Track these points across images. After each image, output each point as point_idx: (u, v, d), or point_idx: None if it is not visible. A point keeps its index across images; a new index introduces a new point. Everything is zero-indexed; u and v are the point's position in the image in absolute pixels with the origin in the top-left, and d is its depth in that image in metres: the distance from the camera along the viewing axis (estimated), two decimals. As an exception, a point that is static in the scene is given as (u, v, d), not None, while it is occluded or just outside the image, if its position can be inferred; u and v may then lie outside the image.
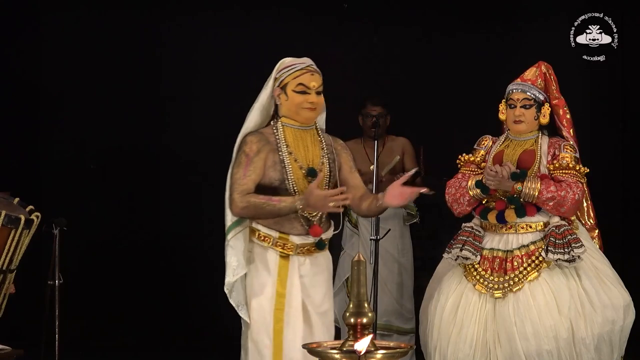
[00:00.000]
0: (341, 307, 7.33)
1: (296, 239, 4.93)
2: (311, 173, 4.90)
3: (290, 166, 4.90)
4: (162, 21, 8.05)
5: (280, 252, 4.93)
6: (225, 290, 4.94)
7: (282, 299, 4.91)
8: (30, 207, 4.86)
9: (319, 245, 4.98)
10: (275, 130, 4.95)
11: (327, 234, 5.04)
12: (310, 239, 4.96)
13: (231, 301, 4.96)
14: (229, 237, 4.96)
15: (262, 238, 4.94)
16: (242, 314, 4.96)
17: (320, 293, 5.00)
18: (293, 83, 4.92)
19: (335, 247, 7.49)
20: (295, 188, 4.89)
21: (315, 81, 4.94)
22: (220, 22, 8.06)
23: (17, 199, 4.90)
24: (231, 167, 4.95)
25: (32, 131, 7.99)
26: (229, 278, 4.94)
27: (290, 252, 4.93)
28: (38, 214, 4.81)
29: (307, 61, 5.02)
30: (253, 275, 4.97)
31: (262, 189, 4.90)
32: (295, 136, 4.97)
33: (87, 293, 7.61)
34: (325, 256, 5.08)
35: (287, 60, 5.02)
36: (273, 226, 4.91)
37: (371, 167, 6.98)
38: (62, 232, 6.26)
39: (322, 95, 5.00)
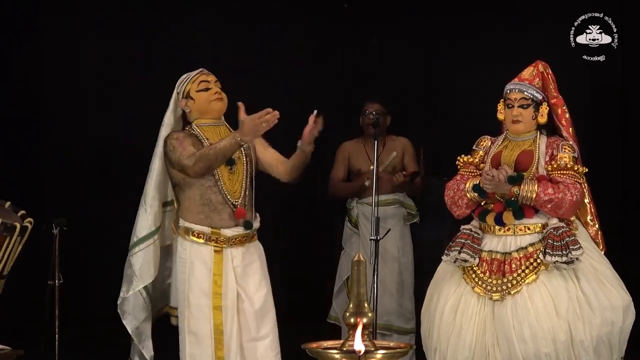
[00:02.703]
0: (342, 306, 7.34)
1: (227, 232, 5.29)
2: (230, 162, 5.29)
3: None
4: (161, 23, 8.05)
5: (214, 246, 5.28)
6: (118, 302, 5.52)
7: (218, 292, 5.25)
8: (22, 212, 4.87)
9: (247, 226, 5.31)
10: (193, 131, 5.36)
11: (256, 224, 5.40)
12: (240, 230, 5.31)
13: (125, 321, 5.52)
14: (133, 251, 5.44)
15: (197, 235, 5.29)
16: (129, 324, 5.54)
17: (255, 280, 5.35)
18: (194, 86, 5.37)
19: (335, 246, 7.50)
20: (220, 176, 5.28)
21: (211, 77, 5.41)
22: (220, 23, 8.06)
23: (8, 203, 4.91)
24: (155, 166, 5.53)
25: (32, 131, 7.99)
26: (123, 293, 5.53)
27: (224, 245, 5.27)
28: (31, 219, 4.83)
29: (198, 69, 5.46)
30: (189, 273, 5.29)
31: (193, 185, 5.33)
32: (211, 131, 5.37)
33: (87, 293, 7.61)
34: (255, 246, 5.43)
35: (182, 76, 5.47)
36: (204, 222, 5.28)
37: (371, 167, 6.99)
38: (62, 232, 6.27)
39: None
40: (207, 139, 5.32)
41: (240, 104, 5.26)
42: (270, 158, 5.52)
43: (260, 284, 5.37)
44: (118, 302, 5.53)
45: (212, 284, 5.27)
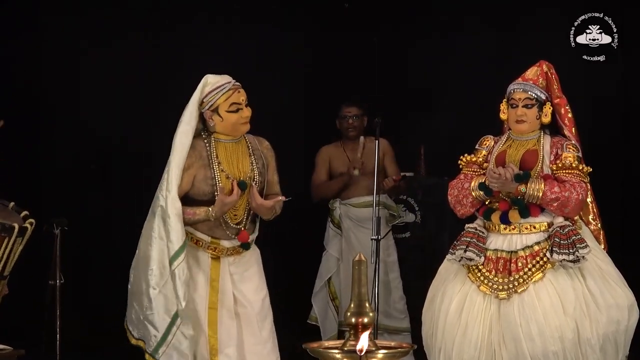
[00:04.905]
0: (323, 306, 7.38)
1: (226, 243, 5.28)
2: (242, 186, 5.21)
3: (220, 182, 5.19)
4: (162, 23, 8.05)
5: (212, 254, 5.27)
6: (179, 321, 5.13)
7: (215, 298, 5.24)
8: (25, 212, 4.86)
9: (245, 247, 5.31)
10: (207, 145, 5.23)
11: (253, 236, 5.38)
12: (238, 242, 5.29)
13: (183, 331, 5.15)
14: (175, 264, 5.15)
15: (195, 241, 5.26)
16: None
17: (252, 285, 5.34)
18: (225, 104, 5.18)
19: (317, 247, 7.51)
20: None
21: (243, 96, 5.23)
22: (220, 24, 8.07)
23: (12, 204, 4.90)
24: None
25: (32, 131, 7.99)
26: (180, 306, 5.12)
27: (221, 254, 5.27)
28: (32, 220, 4.81)
29: (228, 78, 5.25)
30: (187, 275, 5.22)
31: (191, 200, 5.22)
32: (227, 150, 5.25)
33: (88, 293, 7.61)
34: (252, 251, 5.40)
35: (211, 81, 5.23)
36: (207, 232, 5.25)
37: (355, 172, 7.07)
38: (63, 232, 6.26)
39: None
40: (219, 161, 5.20)
41: (234, 185, 5.17)
42: (267, 186, 5.40)
43: (258, 288, 5.36)
44: (176, 318, 5.15)
45: (209, 289, 5.24)
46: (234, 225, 5.26)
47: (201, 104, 5.21)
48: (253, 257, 5.40)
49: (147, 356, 5.28)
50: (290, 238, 7.98)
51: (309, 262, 7.60)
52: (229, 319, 5.24)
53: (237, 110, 5.19)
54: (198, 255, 5.27)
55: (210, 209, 5.15)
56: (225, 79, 5.24)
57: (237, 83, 5.24)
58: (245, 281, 5.33)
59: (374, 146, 7.30)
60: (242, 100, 5.21)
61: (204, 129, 5.27)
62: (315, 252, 7.54)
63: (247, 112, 5.22)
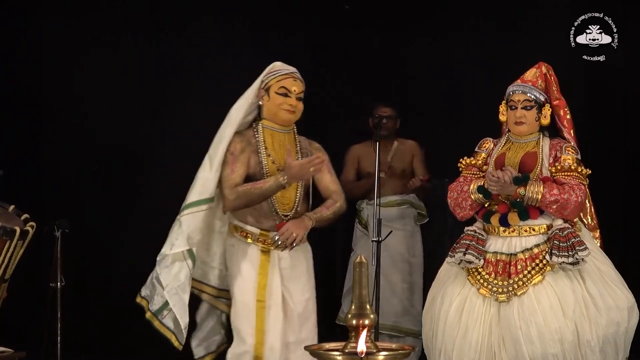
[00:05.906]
0: (350, 308, 7.35)
1: (276, 236, 5.31)
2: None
3: (267, 167, 5.31)
4: (162, 24, 8.05)
5: (262, 247, 5.31)
6: (158, 258, 5.29)
7: (263, 291, 5.28)
8: (26, 215, 4.87)
9: None
10: (255, 132, 5.36)
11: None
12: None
13: (159, 270, 5.28)
14: (184, 212, 5.27)
15: (245, 235, 5.33)
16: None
17: (300, 284, 5.38)
18: (276, 86, 5.35)
19: (345, 248, 7.51)
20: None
21: (296, 87, 5.37)
22: (221, 27, 8.06)
23: (12, 207, 4.91)
24: (208, 162, 5.33)
25: (34, 132, 7.99)
26: (166, 249, 5.28)
27: (271, 247, 5.31)
28: (33, 223, 4.83)
29: (293, 69, 5.44)
30: (236, 270, 5.33)
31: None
32: (274, 138, 5.37)
33: (89, 295, 7.61)
34: (303, 249, 5.44)
35: (277, 65, 5.43)
36: (254, 224, 5.31)
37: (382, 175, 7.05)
38: (64, 233, 6.27)
39: (302, 101, 5.39)
40: (265, 147, 5.30)
41: (289, 148, 5.27)
42: (323, 186, 5.49)
43: (304, 287, 5.40)
44: (157, 259, 5.33)
45: (258, 283, 5.29)
46: (282, 215, 5.31)
47: (261, 84, 5.39)
48: (303, 255, 5.45)
49: (148, 315, 5.36)
50: (317, 238, 8.03)
51: (336, 263, 7.62)
52: (276, 314, 5.29)
53: (284, 95, 5.32)
54: (247, 250, 5.33)
55: (279, 175, 5.20)
56: (288, 67, 5.43)
57: (298, 75, 5.41)
58: (293, 279, 5.37)
59: (404, 147, 7.32)
60: (294, 89, 5.35)
61: (257, 117, 5.41)
62: (342, 252, 7.57)
63: (294, 102, 5.35)
